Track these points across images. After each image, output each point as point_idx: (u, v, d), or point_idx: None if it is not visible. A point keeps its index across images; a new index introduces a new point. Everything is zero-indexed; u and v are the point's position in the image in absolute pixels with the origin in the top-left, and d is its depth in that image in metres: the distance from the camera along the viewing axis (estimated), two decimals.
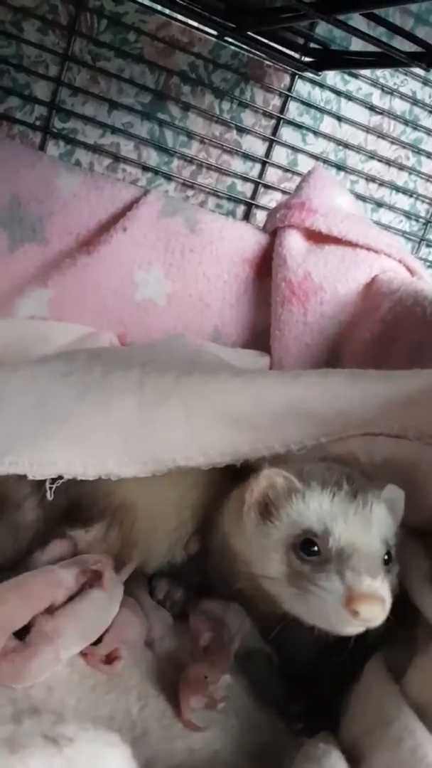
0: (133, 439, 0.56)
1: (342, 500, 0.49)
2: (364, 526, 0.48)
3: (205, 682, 0.50)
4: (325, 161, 1.13)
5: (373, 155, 1.16)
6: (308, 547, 0.49)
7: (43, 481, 0.55)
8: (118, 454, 0.55)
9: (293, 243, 0.90)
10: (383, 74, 1.12)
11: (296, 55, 1.01)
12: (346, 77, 1.10)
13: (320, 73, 1.03)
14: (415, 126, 1.17)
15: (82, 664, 0.54)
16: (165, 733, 0.49)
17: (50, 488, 0.53)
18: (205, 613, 0.59)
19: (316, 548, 0.48)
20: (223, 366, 0.74)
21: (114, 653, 0.53)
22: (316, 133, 1.11)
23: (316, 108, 1.10)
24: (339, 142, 1.13)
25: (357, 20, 0.79)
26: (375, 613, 0.44)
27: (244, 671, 0.57)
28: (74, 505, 0.60)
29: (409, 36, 0.73)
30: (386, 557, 0.48)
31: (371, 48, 0.83)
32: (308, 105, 1.09)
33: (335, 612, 0.45)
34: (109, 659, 0.53)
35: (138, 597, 0.62)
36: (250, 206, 1.10)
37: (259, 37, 0.96)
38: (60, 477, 0.53)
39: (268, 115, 1.08)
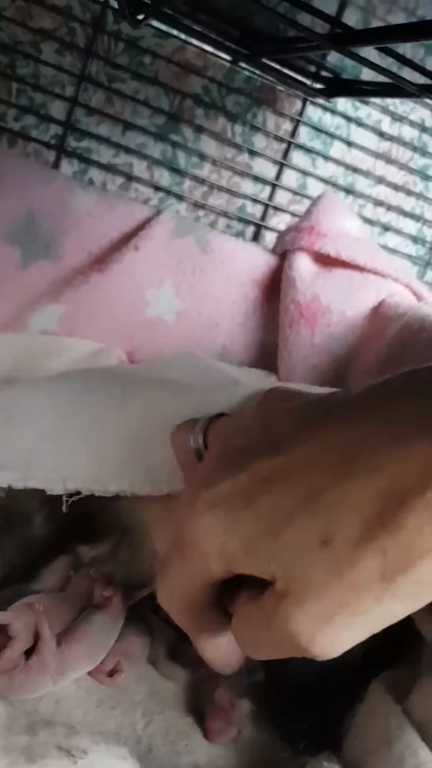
0: (154, 459, 0.56)
1: None
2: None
3: (231, 708, 0.51)
4: (334, 185, 1.15)
5: (381, 180, 1.18)
6: None
7: (53, 496, 0.55)
8: (136, 472, 0.55)
9: (302, 265, 0.91)
10: (393, 102, 1.14)
11: (308, 82, 1.03)
12: (357, 104, 1.12)
13: (331, 99, 1.05)
14: (424, 153, 1.19)
15: (88, 679, 0.54)
16: (170, 749, 0.50)
17: (66, 502, 0.53)
18: None
19: None
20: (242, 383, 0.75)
21: (116, 667, 0.54)
22: (325, 157, 1.13)
23: (327, 133, 1.12)
24: (348, 167, 1.15)
25: (367, 50, 0.81)
26: None
27: (245, 688, 0.58)
28: (83, 521, 0.60)
29: (419, 68, 0.75)
30: None
31: (382, 78, 0.85)
32: (318, 130, 1.11)
33: None
34: (111, 673, 0.54)
35: (142, 616, 0.63)
36: (259, 228, 1.12)
37: (272, 64, 0.98)
38: (78, 492, 0.53)
39: (279, 139, 1.10)
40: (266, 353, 0.97)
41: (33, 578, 0.59)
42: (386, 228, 1.21)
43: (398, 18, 1.07)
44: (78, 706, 0.52)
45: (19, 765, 0.30)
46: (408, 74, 0.80)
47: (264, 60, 0.96)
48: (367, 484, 0.30)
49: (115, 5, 0.95)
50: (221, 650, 0.39)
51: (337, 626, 0.29)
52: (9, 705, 0.34)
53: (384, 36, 0.63)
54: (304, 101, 1.08)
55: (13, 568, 0.58)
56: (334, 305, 0.90)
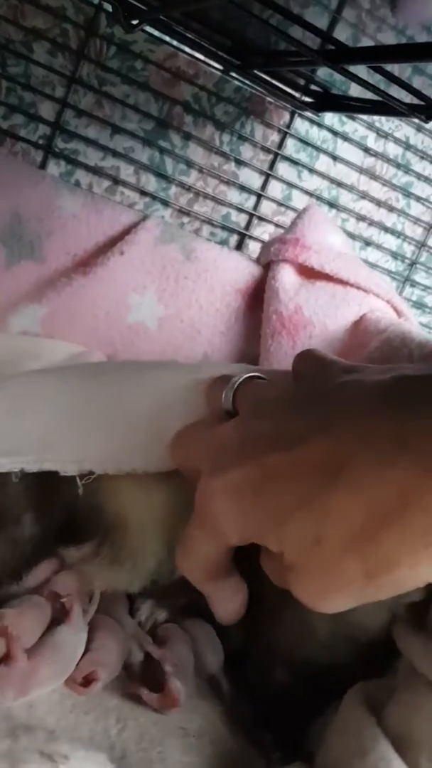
0: (166, 436, 0.56)
1: None
2: None
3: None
4: (319, 198, 1.16)
5: (364, 195, 1.19)
6: None
7: (41, 497, 0.56)
8: (148, 450, 0.55)
9: (286, 277, 0.92)
10: (379, 119, 1.16)
11: (297, 95, 1.04)
12: (344, 119, 1.14)
13: (319, 113, 1.06)
14: (407, 170, 1.21)
15: (61, 684, 0.54)
16: (143, 756, 0.49)
17: (81, 484, 0.54)
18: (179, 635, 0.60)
19: None
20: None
21: (91, 675, 0.54)
22: (311, 170, 1.14)
23: (313, 146, 1.13)
24: (333, 181, 1.16)
25: (357, 67, 0.82)
26: None
27: (218, 696, 0.58)
28: (69, 523, 0.60)
29: (409, 87, 0.76)
30: None
31: (369, 94, 0.87)
32: (305, 143, 1.12)
33: None
34: (87, 681, 0.54)
35: (118, 618, 0.62)
36: (243, 237, 1.13)
37: (262, 75, 0.99)
38: (90, 473, 0.54)
39: (266, 149, 1.11)
40: (247, 362, 0.97)
41: (19, 580, 0.59)
42: (368, 243, 1.22)
43: (387, 36, 1.09)
44: (52, 711, 0.51)
45: None
46: (395, 92, 0.81)
47: (254, 71, 0.97)
48: (351, 499, 0.33)
49: (109, 9, 0.95)
50: (230, 604, 0.46)
51: (329, 599, 0.34)
52: None
53: (377, 55, 0.64)
54: (293, 114, 1.09)
55: (1, 568, 0.58)
56: (316, 318, 0.91)
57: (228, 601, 0.46)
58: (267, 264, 0.96)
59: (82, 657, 0.55)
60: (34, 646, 0.52)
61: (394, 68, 1.08)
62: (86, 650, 0.55)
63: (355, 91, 1.08)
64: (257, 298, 0.96)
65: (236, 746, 0.53)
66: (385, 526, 0.31)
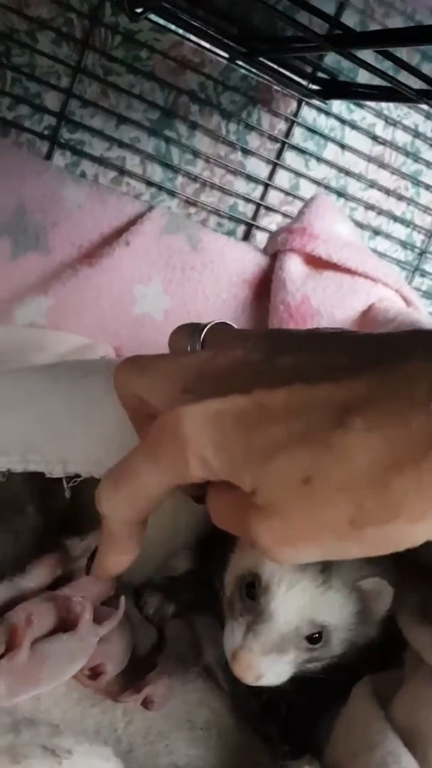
0: None
1: (294, 569, 0.48)
2: (297, 599, 0.47)
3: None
4: (327, 187, 1.15)
5: (373, 184, 1.18)
6: (249, 588, 0.49)
7: (45, 487, 0.55)
8: None
9: (293, 267, 0.91)
10: (387, 106, 1.14)
11: (304, 83, 1.03)
12: (352, 107, 1.12)
13: (327, 101, 1.05)
14: (416, 158, 1.20)
15: None
16: (150, 749, 0.49)
17: (67, 487, 0.53)
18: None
19: (254, 592, 0.49)
20: None
21: (98, 668, 0.53)
22: (319, 159, 1.13)
23: (321, 135, 1.12)
24: (341, 170, 1.15)
25: (365, 54, 0.81)
26: (246, 679, 0.46)
27: (225, 690, 0.58)
28: (72, 513, 0.60)
29: (418, 73, 0.75)
30: (316, 635, 0.47)
31: (377, 81, 0.85)
32: (313, 131, 1.11)
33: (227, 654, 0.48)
34: (94, 674, 0.54)
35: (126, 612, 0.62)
36: (250, 227, 1.12)
37: (269, 63, 0.97)
38: (77, 476, 0.53)
39: (273, 138, 1.10)
40: None
41: (23, 571, 0.59)
42: (376, 232, 1.21)
43: (396, 22, 1.07)
44: (58, 703, 0.51)
45: (3, 765, 0.29)
46: (403, 79, 0.80)
47: (261, 59, 0.96)
48: (363, 439, 0.30)
49: None
50: (123, 557, 0.43)
51: (295, 548, 0.32)
52: None
53: (385, 39, 0.63)
54: (300, 102, 1.08)
55: (3, 558, 0.58)
56: (324, 308, 0.90)
57: (124, 554, 0.43)
58: (274, 254, 0.95)
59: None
60: (34, 649, 0.51)
61: (402, 54, 1.06)
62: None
63: (363, 78, 1.07)
64: (264, 289, 0.95)
65: (243, 739, 0.53)
66: (397, 471, 0.29)
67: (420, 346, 0.33)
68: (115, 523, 0.41)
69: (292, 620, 0.47)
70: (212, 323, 0.45)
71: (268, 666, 0.46)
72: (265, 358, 0.35)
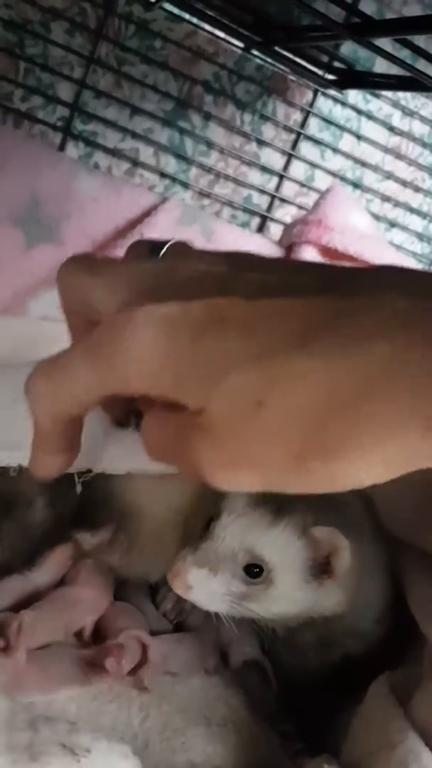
0: None
1: (245, 504, 0.50)
2: (239, 526, 0.49)
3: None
4: (342, 179, 1.13)
5: (389, 175, 1.16)
6: (210, 521, 0.51)
7: (54, 481, 0.55)
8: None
9: (309, 259, 0.90)
10: (404, 96, 1.13)
11: (320, 72, 1.01)
12: (368, 97, 1.11)
13: (343, 91, 1.03)
14: None
15: None
16: (166, 746, 0.49)
17: (78, 482, 0.53)
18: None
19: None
20: None
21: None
22: (334, 150, 1.12)
23: (336, 125, 1.11)
24: (357, 161, 1.14)
25: (383, 42, 0.79)
26: (174, 587, 0.48)
27: (242, 685, 0.57)
28: (83, 507, 0.60)
29: None
30: (255, 569, 0.48)
31: (395, 70, 0.84)
32: (329, 122, 1.10)
33: None
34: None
35: (140, 606, 0.62)
36: (264, 219, 1.11)
37: (284, 52, 0.96)
38: (88, 471, 0.53)
39: (288, 129, 1.08)
40: None
41: (34, 565, 0.59)
42: (392, 224, 1.20)
43: (413, 10, 1.06)
44: (74, 699, 0.51)
45: (22, 763, 0.29)
46: (422, 68, 0.79)
47: (276, 48, 0.94)
48: (324, 367, 0.28)
49: None
50: (53, 459, 0.40)
51: (236, 473, 0.30)
52: (9, 700, 0.34)
53: (404, 27, 0.62)
54: (315, 92, 1.06)
55: (13, 553, 0.58)
56: None
57: (56, 453, 0.40)
58: (289, 246, 0.94)
59: (102, 644, 0.55)
60: (34, 654, 0.51)
61: (420, 43, 1.05)
62: (106, 638, 0.55)
63: (380, 67, 1.05)
64: None
65: (260, 737, 0.52)
66: (352, 405, 0.28)
67: (386, 279, 0.32)
68: (41, 416, 0.38)
69: (230, 543, 0.48)
70: (173, 241, 0.42)
71: (197, 579, 0.47)
72: (229, 273, 0.33)
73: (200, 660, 0.57)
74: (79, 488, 0.55)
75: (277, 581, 0.48)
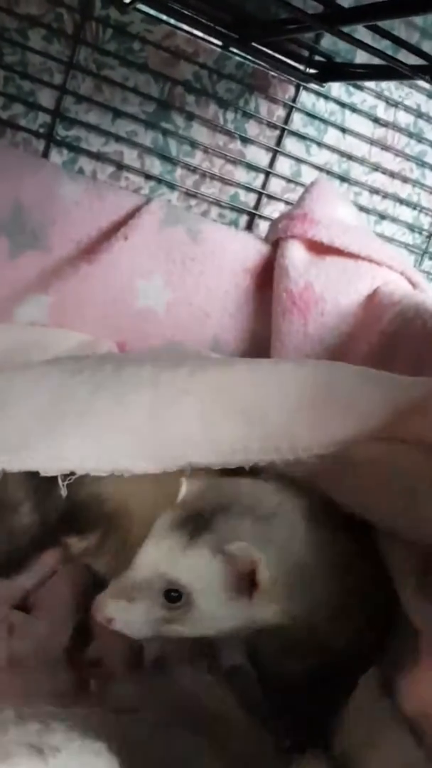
0: (147, 436, 0.55)
1: (168, 526, 0.50)
2: (154, 553, 0.49)
3: None
4: (329, 173, 1.13)
5: (376, 167, 1.16)
6: None
7: (39, 487, 0.55)
8: (132, 450, 0.55)
9: (295, 254, 0.90)
10: (388, 87, 1.12)
11: (301, 67, 1.01)
12: (351, 89, 1.10)
13: (324, 84, 1.03)
14: (420, 139, 1.17)
15: None
16: (156, 743, 0.48)
17: (63, 485, 0.53)
18: None
19: None
20: (236, 359, 0.74)
21: (98, 662, 0.53)
22: (320, 144, 1.11)
23: (321, 119, 1.10)
24: (343, 154, 1.13)
25: (362, 33, 0.79)
26: (96, 618, 0.48)
27: (233, 685, 0.57)
28: (70, 511, 0.60)
29: (414, 49, 0.73)
30: (174, 593, 0.48)
31: (376, 61, 0.83)
32: (312, 116, 1.10)
33: None
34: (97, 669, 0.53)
35: None
36: (252, 216, 1.10)
37: (264, 48, 0.96)
38: (72, 474, 0.53)
39: (272, 125, 1.08)
40: (258, 343, 0.96)
41: (21, 570, 0.59)
42: (382, 216, 1.19)
43: None
44: None
45: None
46: (402, 57, 0.78)
47: (255, 44, 0.94)
48: None
49: None
50: None
51: None
52: None
53: (375, 12, 0.61)
54: (298, 87, 1.06)
55: (0, 557, 0.58)
56: (328, 294, 0.88)
57: None
58: (275, 242, 0.94)
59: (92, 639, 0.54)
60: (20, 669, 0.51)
61: (401, 33, 1.04)
62: (93, 638, 0.54)
63: (361, 59, 1.05)
64: (267, 278, 0.94)
65: (251, 733, 0.52)
66: None
67: None
68: None
69: (145, 571, 0.48)
70: None
71: (116, 610, 0.47)
72: None
73: (191, 658, 0.57)
74: (64, 491, 0.55)
75: (198, 603, 0.48)
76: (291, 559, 0.49)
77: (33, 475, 0.55)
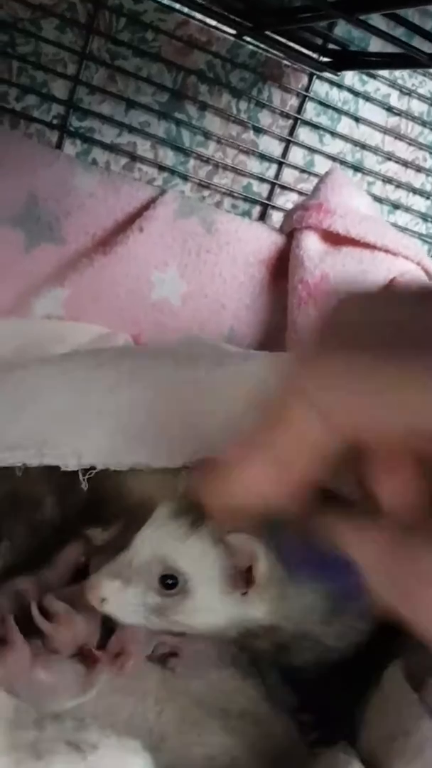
0: (167, 431, 0.55)
1: (170, 513, 0.49)
2: (154, 536, 0.48)
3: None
4: (342, 162, 1.12)
5: (390, 156, 1.15)
6: None
7: (62, 479, 0.55)
8: (152, 445, 0.55)
9: (310, 244, 0.89)
10: (401, 75, 1.11)
11: (314, 56, 1.00)
12: (365, 78, 1.09)
13: (339, 73, 1.02)
14: None
15: None
16: (183, 740, 0.49)
17: (84, 479, 0.53)
18: None
19: None
20: (254, 353, 0.74)
21: (122, 653, 0.53)
22: (333, 133, 1.11)
23: (334, 108, 1.09)
24: (356, 143, 1.12)
25: (377, 21, 0.78)
26: (89, 599, 0.47)
27: (261, 678, 0.57)
28: (92, 504, 0.60)
29: (428, 35, 0.73)
30: (170, 580, 0.47)
31: (390, 49, 0.83)
32: (326, 105, 1.09)
33: None
34: (120, 664, 0.53)
35: None
36: (266, 207, 1.10)
37: (277, 37, 0.95)
38: (92, 468, 0.53)
39: (285, 115, 1.07)
40: (274, 335, 0.95)
41: (45, 563, 0.59)
42: (396, 206, 1.18)
43: None
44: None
45: (26, 762, 0.29)
46: (417, 44, 0.77)
47: (269, 33, 0.93)
48: None
49: None
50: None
51: None
52: (15, 698, 0.33)
53: (394, 1, 0.60)
54: (311, 76, 1.05)
55: (22, 552, 0.58)
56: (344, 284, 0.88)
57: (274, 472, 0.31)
58: (290, 232, 0.93)
59: (109, 638, 0.54)
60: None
61: (415, 20, 1.03)
62: (112, 630, 0.54)
63: (375, 47, 1.04)
64: (282, 269, 0.93)
65: (279, 728, 0.52)
66: None
67: None
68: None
69: (144, 554, 0.47)
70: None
71: (110, 591, 0.46)
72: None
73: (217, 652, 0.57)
74: (85, 485, 0.55)
75: (194, 592, 0.47)
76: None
77: (55, 469, 0.55)
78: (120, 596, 0.47)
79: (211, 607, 0.48)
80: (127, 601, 0.47)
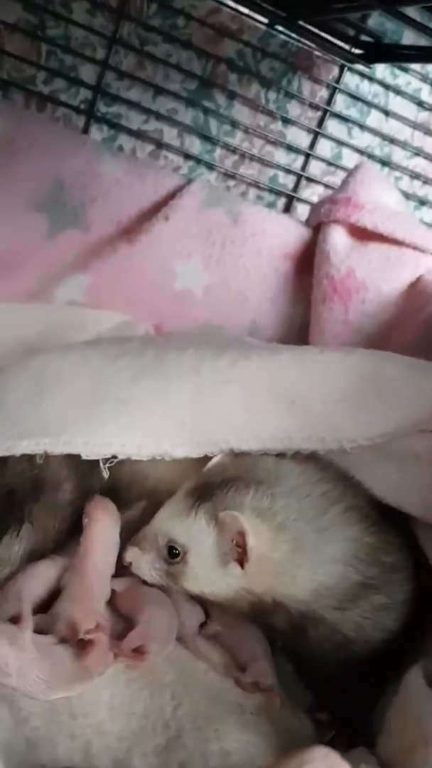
0: (188, 422, 0.58)
1: (184, 492, 0.56)
2: (164, 513, 0.56)
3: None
4: (370, 156, 1.11)
5: (419, 152, 1.14)
6: None
7: (81, 464, 0.56)
8: (173, 435, 0.57)
9: (337, 239, 0.88)
10: None
11: (346, 47, 0.99)
12: (396, 71, 1.08)
13: (370, 66, 1.01)
14: None
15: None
16: (199, 735, 0.48)
17: (104, 467, 0.56)
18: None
19: None
20: (280, 347, 0.75)
21: (140, 649, 0.53)
22: (362, 126, 1.09)
23: (364, 101, 1.08)
24: (385, 137, 1.11)
25: (411, 13, 0.77)
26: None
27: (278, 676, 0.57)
28: (111, 488, 0.61)
29: None
30: (175, 551, 0.54)
31: (424, 42, 0.81)
32: (356, 98, 1.07)
33: None
34: (140, 656, 0.53)
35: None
36: (291, 199, 1.09)
37: (309, 27, 0.94)
38: (114, 456, 0.55)
39: (314, 106, 1.06)
40: (297, 329, 0.95)
41: (64, 548, 0.59)
42: (422, 202, 1.17)
43: None
44: (107, 685, 0.51)
45: None
46: None
47: (301, 23, 0.92)
48: None
49: None
50: None
51: None
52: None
53: None
54: (342, 67, 1.04)
55: (44, 534, 0.59)
56: (370, 281, 0.87)
57: None
58: (317, 226, 0.92)
59: (130, 627, 0.54)
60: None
61: None
62: (134, 624, 0.54)
63: (408, 39, 1.02)
64: (307, 262, 0.92)
65: (295, 725, 0.52)
66: None
67: None
68: None
69: (154, 527, 0.56)
70: None
71: (132, 556, 0.56)
72: None
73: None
74: (105, 474, 0.56)
75: (192, 561, 0.54)
76: (291, 538, 0.52)
77: (75, 456, 0.56)
78: (139, 560, 0.55)
79: (210, 577, 0.54)
80: (143, 565, 0.55)
